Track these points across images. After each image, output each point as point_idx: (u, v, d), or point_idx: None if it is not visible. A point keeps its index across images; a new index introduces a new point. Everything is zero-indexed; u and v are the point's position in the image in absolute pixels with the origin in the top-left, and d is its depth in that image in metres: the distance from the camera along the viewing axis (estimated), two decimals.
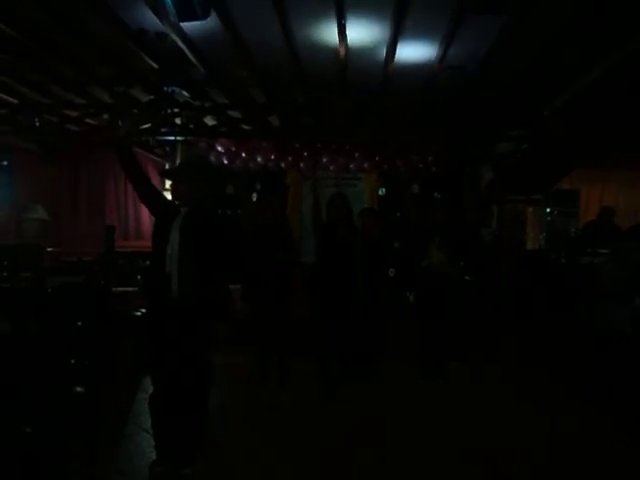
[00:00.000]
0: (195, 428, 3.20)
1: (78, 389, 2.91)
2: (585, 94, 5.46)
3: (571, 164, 7.92)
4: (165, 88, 5.63)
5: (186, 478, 3.09)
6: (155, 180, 8.92)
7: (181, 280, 3.07)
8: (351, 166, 8.39)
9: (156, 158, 8.59)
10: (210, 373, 3.29)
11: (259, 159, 8.25)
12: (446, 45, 4.63)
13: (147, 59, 5.07)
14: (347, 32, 4.45)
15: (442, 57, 4.90)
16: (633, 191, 9.70)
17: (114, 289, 5.58)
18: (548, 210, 8.41)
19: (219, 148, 8.19)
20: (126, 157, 3.25)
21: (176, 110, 6.61)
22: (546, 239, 8.38)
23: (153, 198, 3.34)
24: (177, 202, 3.32)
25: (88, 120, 7.19)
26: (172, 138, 7.56)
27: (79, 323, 3.61)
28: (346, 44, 4.71)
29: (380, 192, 8.67)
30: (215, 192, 7.92)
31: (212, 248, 3.19)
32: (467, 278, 5.49)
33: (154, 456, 3.28)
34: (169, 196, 6.28)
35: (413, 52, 4.96)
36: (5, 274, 3.96)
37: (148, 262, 7.26)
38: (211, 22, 4.02)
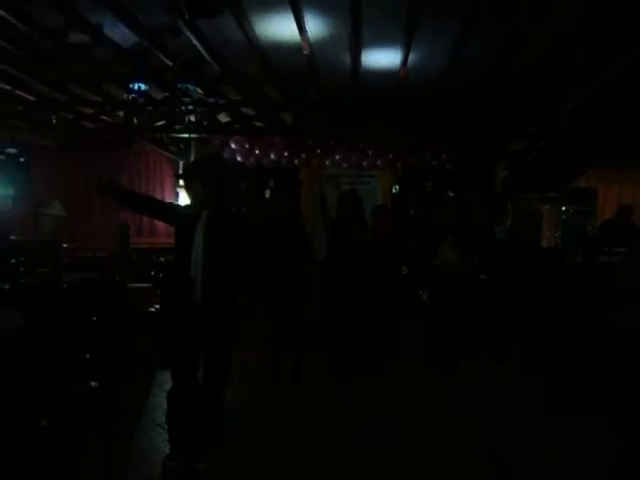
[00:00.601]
0: (210, 424, 3.23)
1: (93, 384, 2.94)
2: (602, 92, 5.37)
3: (587, 162, 7.81)
4: (179, 85, 5.67)
5: (199, 473, 3.11)
6: (168, 176, 9.03)
7: (206, 285, 3.11)
8: (364, 163, 8.35)
9: (170, 155, 8.64)
10: (229, 372, 3.32)
11: (272, 156, 8.26)
12: (460, 43, 4.59)
13: (162, 56, 5.10)
14: (362, 34, 4.45)
15: (456, 55, 4.86)
16: None
17: (129, 285, 5.63)
18: (564, 208, 8.31)
19: (233, 145, 8.21)
20: (119, 198, 3.52)
21: (190, 107, 6.64)
22: (562, 237, 8.28)
23: (164, 213, 3.43)
24: (195, 204, 3.34)
25: (103, 117, 7.25)
26: (186, 135, 7.59)
27: (94, 318, 3.65)
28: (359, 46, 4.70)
29: (394, 190, 8.62)
30: (230, 190, 7.95)
31: (235, 250, 3.23)
32: (482, 277, 5.44)
33: (168, 451, 3.31)
34: (184, 195, 6.36)
35: (427, 52, 4.93)
36: (22, 269, 4.00)
37: (162, 259, 7.35)
38: (224, 19, 4.04)
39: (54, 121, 6.89)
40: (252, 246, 4.31)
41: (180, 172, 4.08)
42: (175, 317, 3.24)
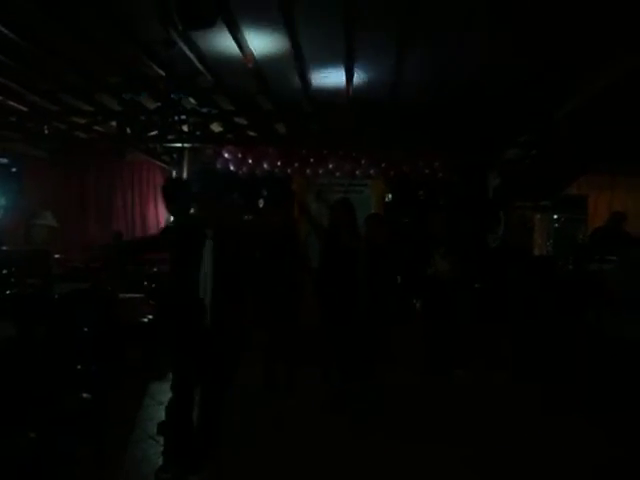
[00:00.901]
0: (207, 436, 3.20)
1: (84, 395, 2.91)
2: (593, 100, 5.43)
3: (579, 170, 7.87)
4: (172, 95, 5.68)
5: None
6: (160, 184, 9.01)
7: (216, 306, 3.12)
8: (357, 172, 8.38)
9: (163, 165, 8.64)
10: (229, 388, 3.33)
11: (265, 165, 8.27)
12: (451, 51, 4.64)
13: (155, 67, 5.11)
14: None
15: (448, 64, 4.91)
16: None
17: (121, 295, 5.60)
18: (556, 216, 8.35)
19: (225, 155, 8.22)
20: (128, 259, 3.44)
21: (183, 117, 6.65)
22: (554, 245, 8.31)
23: (161, 244, 3.40)
24: (195, 221, 3.36)
25: (96, 127, 7.25)
26: (179, 145, 7.59)
27: (85, 329, 3.62)
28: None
29: (387, 198, 8.66)
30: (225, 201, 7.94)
31: (242, 267, 3.24)
32: (476, 286, 5.45)
33: (160, 462, 3.27)
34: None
35: (421, 61, 4.99)
36: (12, 279, 3.97)
37: (155, 269, 7.30)
38: (218, 30, 4.07)
39: (46, 131, 6.88)
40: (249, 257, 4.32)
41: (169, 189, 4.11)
42: (180, 337, 3.22)
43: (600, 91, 5.09)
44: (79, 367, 3.00)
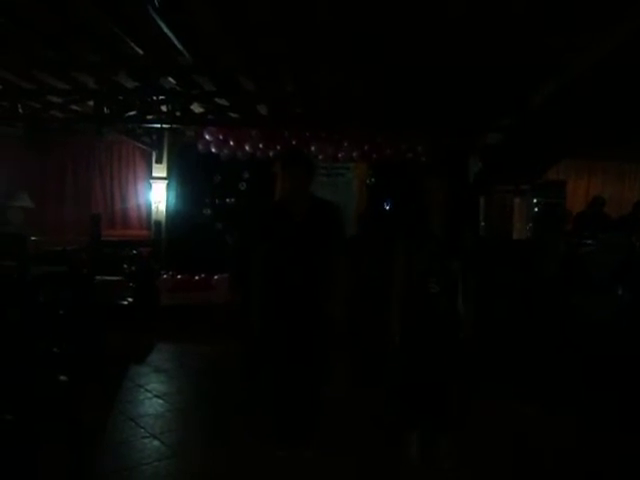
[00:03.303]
0: (314, 412, 3.29)
1: (62, 378, 2.89)
2: (573, 83, 5.46)
3: (557, 155, 7.95)
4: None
5: (307, 461, 3.16)
6: (141, 167, 8.89)
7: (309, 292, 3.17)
8: (340, 155, 8.36)
9: (143, 146, 8.50)
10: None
11: (247, 148, 8.20)
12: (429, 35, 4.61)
13: (133, 45, 4.99)
14: None
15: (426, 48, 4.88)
16: (618, 183, 9.80)
17: (100, 278, 5.54)
18: (535, 201, 8.45)
19: (207, 136, 8.12)
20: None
21: (162, 97, 6.53)
22: (533, 229, 8.42)
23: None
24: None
25: (73, 107, 7.08)
26: (158, 126, 7.46)
27: (61, 312, 3.58)
28: None
29: (369, 182, 8.67)
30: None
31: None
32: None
33: (139, 445, 3.28)
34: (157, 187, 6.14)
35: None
36: None
37: (135, 252, 7.22)
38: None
39: (20, 110, 6.69)
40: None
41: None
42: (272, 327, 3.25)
43: (577, 75, 5.12)
44: (55, 350, 2.97)
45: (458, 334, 3.12)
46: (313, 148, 8.22)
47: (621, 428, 3.77)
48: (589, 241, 6.02)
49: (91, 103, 6.71)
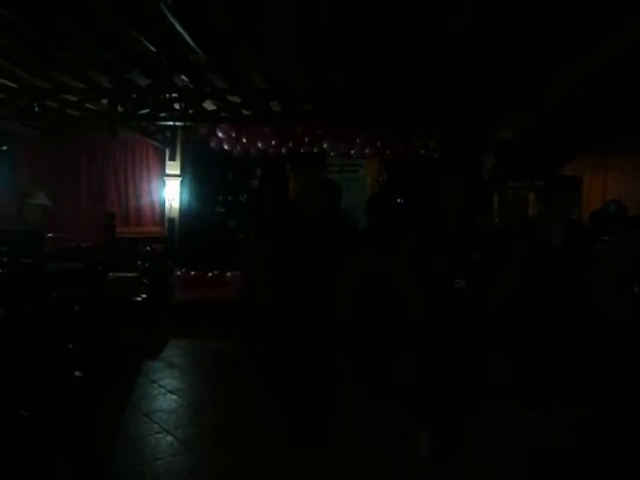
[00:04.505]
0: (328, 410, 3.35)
1: (77, 374, 2.92)
2: (589, 79, 5.39)
3: (574, 150, 7.85)
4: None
5: (319, 459, 3.19)
6: (154, 165, 8.95)
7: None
8: (352, 152, 8.34)
9: (156, 144, 8.57)
10: None
11: (260, 145, 8.21)
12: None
13: (147, 43, 5.02)
14: None
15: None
16: (636, 179, 9.64)
17: (114, 274, 5.60)
18: None
19: (219, 134, 8.15)
20: None
21: (175, 95, 6.56)
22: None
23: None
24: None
25: (88, 105, 7.15)
26: (171, 123, 7.51)
27: (76, 308, 3.63)
28: None
29: (381, 178, 8.63)
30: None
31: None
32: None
33: (153, 440, 3.31)
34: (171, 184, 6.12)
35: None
36: (5, 259, 3.96)
37: (149, 248, 7.28)
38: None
39: (37, 109, 6.78)
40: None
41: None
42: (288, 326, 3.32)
43: (592, 70, 5.05)
44: (70, 346, 3.02)
45: (480, 330, 3.14)
46: (325, 145, 8.21)
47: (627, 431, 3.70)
48: (605, 237, 5.93)
49: (105, 101, 6.77)
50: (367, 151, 8.34)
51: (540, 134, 6.80)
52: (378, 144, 8.28)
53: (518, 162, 7.64)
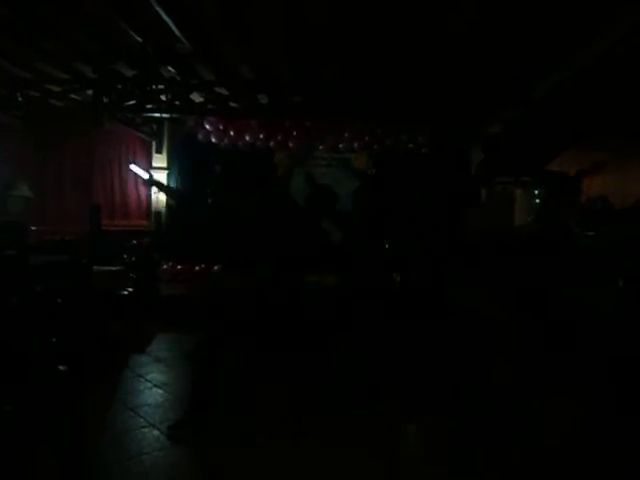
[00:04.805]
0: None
1: (61, 367, 2.88)
2: (580, 73, 5.41)
3: (561, 146, 7.90)
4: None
5: (306, 451, 3.15)
6: (141, 157, 8.85)
7: None
8: (340, 145, 8.32)
9: (143, 136, 8.46)
10: None
11: (247, 137, 8.16)
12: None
13: (131, 32, 4.94)
14: None
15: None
16: (621, 175, 9.72)
17: (100, 268, 5.53)
18: (536, 192, 8.40)
19: (207, 126, 8.08)
20: None
21: (161, 86, 6.47)
22: (534, 221, 8.38)
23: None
24: None
25: (72, 95, 7.03)
26: (158, 115, 7.41)
27: (59, 301, 3.57)
28: None
29: (369, 172, 8.62)
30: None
31: None
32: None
33: (139, 434, 3.27)
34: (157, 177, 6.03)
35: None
36: None
37: (135, 242, 7.20)
38: None
39: (19, 99, 6.64)
40: None
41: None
42: None
43: (580, 66, 5.08)
44: (54, 339, 2.97)
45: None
46: (314, 138, 8.18)
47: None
48: (590, 232, 5.99)
49: (90, 92, 6.66)
50: (355, 145, 8.32)
51: (529, 129, 6.82)
52: (366, 138, 8.27)
53: (506, 157, 7.67)
